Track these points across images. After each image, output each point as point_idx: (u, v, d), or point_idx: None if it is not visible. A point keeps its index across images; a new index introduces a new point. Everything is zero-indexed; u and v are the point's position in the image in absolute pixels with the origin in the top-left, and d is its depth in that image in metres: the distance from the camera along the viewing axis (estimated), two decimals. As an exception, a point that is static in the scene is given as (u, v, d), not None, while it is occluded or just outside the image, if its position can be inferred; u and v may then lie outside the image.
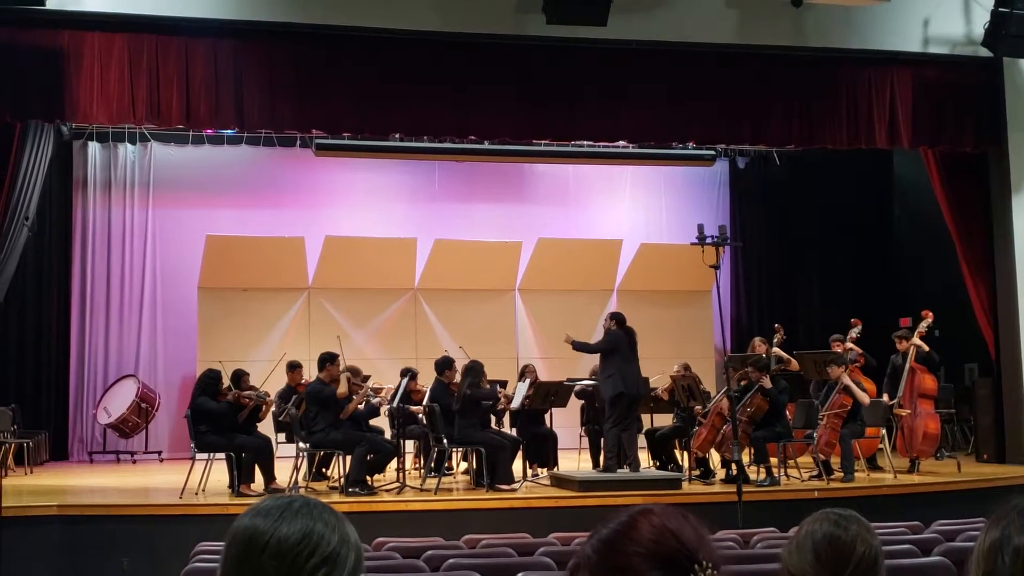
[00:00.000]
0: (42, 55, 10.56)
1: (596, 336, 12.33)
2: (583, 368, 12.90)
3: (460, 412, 10.63)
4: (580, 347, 11.27)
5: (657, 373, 12.28)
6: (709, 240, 9.68)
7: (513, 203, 17.12)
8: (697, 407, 11.45)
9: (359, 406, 11.05)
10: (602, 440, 11.14)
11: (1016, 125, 12.70)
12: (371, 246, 15.78)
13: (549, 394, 11.59)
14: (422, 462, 12.03)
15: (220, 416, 10.41)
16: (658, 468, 11.65)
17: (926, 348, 12.09)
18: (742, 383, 11.25)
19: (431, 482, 10.69)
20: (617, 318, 11.18)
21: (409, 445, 12.33)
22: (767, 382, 10.99)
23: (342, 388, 10.42)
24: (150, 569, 8.77)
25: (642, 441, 11.78)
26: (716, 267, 9.72)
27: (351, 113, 11.58)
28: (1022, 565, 1.87)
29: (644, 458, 11.48)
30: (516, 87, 11.72)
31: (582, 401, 12.42)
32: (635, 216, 17.55)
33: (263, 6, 11.16)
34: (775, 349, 12.98)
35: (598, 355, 11.23)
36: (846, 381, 11.32)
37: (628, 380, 10.71)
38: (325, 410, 10.39)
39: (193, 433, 10.43)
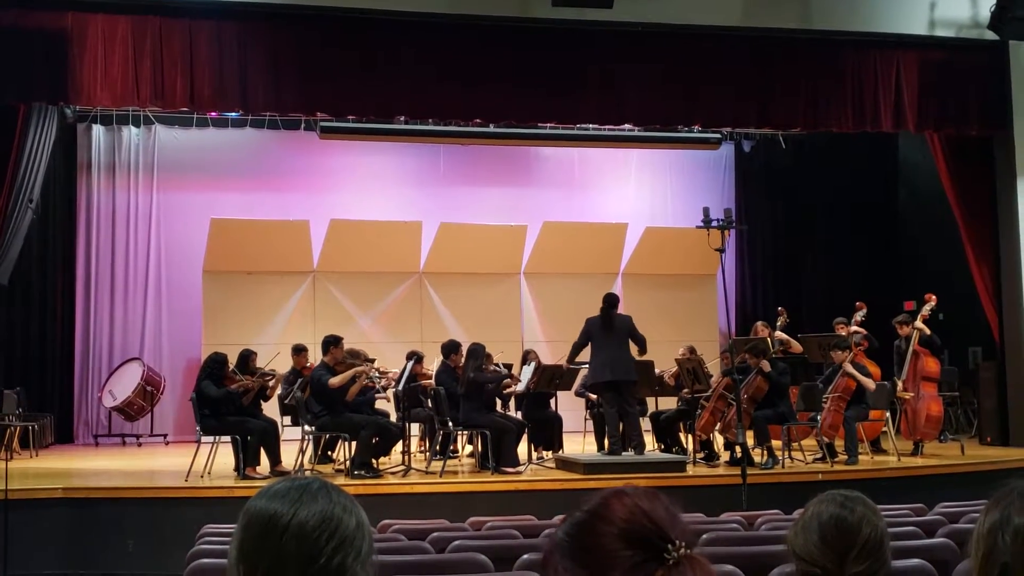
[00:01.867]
0: (46, 37, 10.55)
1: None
2: (587, 352, 12.88)
3: (465, 395, 10.65)
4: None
5: (662, 356, 12.29)
6: (714, 223, 9.66)
7: (518, 186, 17.12)
8: (685, 390, 11.47)
9: (370, 383, 11.05)
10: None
11: (1021, 109, 12.68)
12: (376, 229, 15.79)
13: (554, 377, 11.60)
14: (427, 445, 12.05)
15: (218, 401, 10.42)
16: (663, 451, 11.66)
17: (927, 331, 12.08)
18: (739, 364, 11.26)
19: (436, 465, 10.71)
20: (603, 300, 11.07)
21: (415, 428, 12.35)
22: (766, 366, 10.98)
23: (335, 380, 10.35)
24: (155, 552, 8.80)
25: (647, 424, 11.79)
26: (721, 250, 9.70)
27: (356, 96, 11.57)
28: (1022, 544, 1.89)
29: (649, 441, 11.49)
30: (521, 70, 11.69)
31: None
32: (640, 199, 17.55)
33: (267, -12, 11.15)
34: (778, 332, 12.97)
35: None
36: (848, 370, 11.28)
37: (596, 369, 10.74)
38: (329, 396, 10.39)
39: (198, 416, 10.44)
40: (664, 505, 1.53)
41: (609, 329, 10.77)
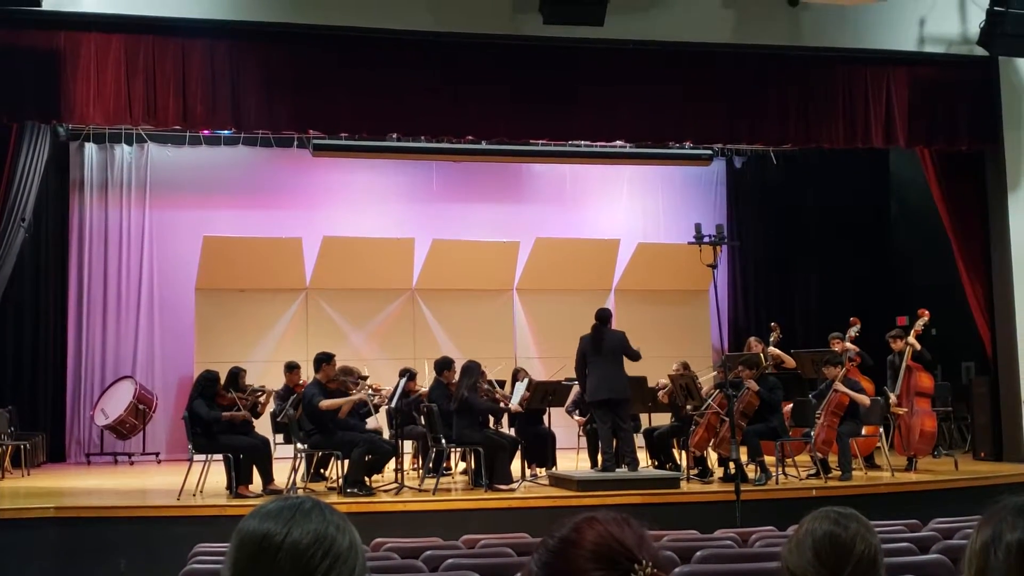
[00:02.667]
0: (38, 56, 10.56)
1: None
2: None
3: (458, 412, 10.62)
4: None
5: (655, 372, 12.28)
6: (706, 239, 9.68)
7: (510, 203, 17.13)
8: (686, 406, 11.46)
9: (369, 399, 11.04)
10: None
11: (1011, 123, 12.74)
12: (369, 246, 15.78)
13: (547, 394, 11.60)
14: (420, 462, 12.02)
15: (207, 423, 10.38)
16: (656, 467, 11.65)
17: (918, 347, 12.09)
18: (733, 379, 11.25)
19: (429, 482, 10.68)
20: (595, 316, 11.08)
21: (408, 445, 12.32)
22: (753, 385, 10.98)
23: (325, 403, 10.31)
24: (148, 571, 8.76)
25: (640, 440, 11.78)
26: (713, 266, 9.73)
27: (348, 113, 11.58)
28: (1015, 560, 1.89)
29: (642, 457, 11.48)
30: (513, 87, 11.73)
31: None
32: (632, 216, 17.56)
33: (259, 7, 11.16)
34: (771, 348, 12.98)
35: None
36: (839, 388, 11.28)
37: (592, 388, 10.76)
38: (321, 415, 10.35)
39: (190, 435, 10.41)
40: (633, 529, 1.62)
41: (600, 346, 10.76)
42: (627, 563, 1.56)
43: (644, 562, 1.56)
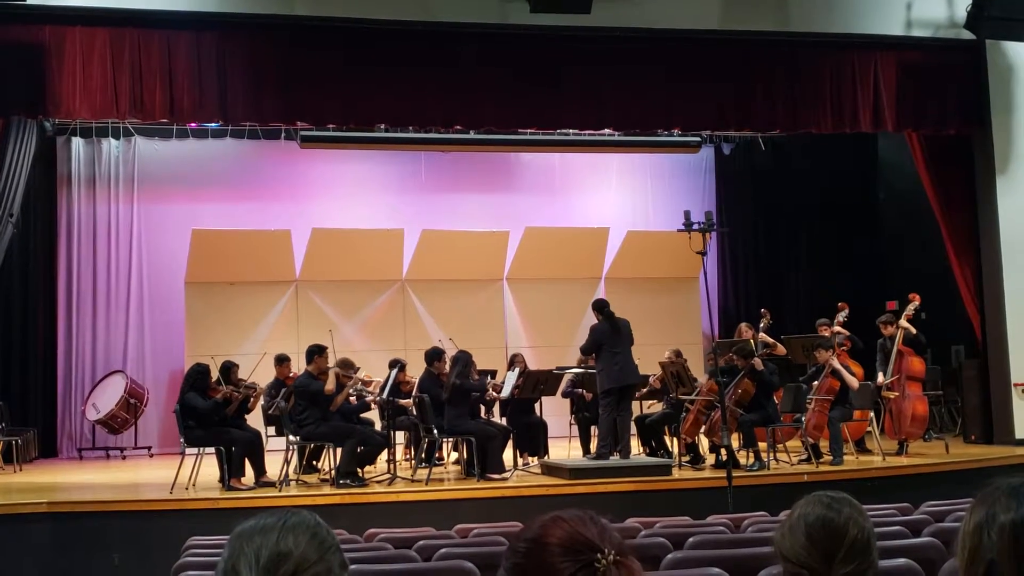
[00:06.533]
0: (23, 50, 10.51)
1: (587, 322, 12.25)
2: (571, 356, 12.91)
3: (449, 402, 10.63)
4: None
5: (646, 360, 12.29)
6: (696, 226, 9.68)
7: (500, 192, 17.12)
8: (682, 392, 11.48)
9: (351, 399, 11.05)
10: (593, 427, 11.16)
11: (999, 107, 12.76)
12: (358, 238, 15.76)
13: (538, 383, 11.60)
14: (413, 453, 12.02)
15: (206, 413, 10.38)
16: (648, 455, 11.67)
17: (913, 331, 12.13)
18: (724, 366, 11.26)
19: (422, 472, 10.69)
20: (597, 306, 11.14)
21: (399, 436, 12.32)
22: (759, 364, 11.00)
23: (329, 384, 10.38)
24: (141, 565, 8.76)
25: (632, 428, 11.79)
26: (703, 253, 9.72)
27: (336, 104, 11.55)
28: (1009, 541, 1.90)
29: (634, 445, 11.49)
30: (501, 76, 11.70)
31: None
32: (622, 204, 17.57)
33: (245, -2, 11.13)
34: (761, 334, 13.00)
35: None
36: (835, 365, 11.36)
37: (612, 375, 10.75)
38: (314, 404, 10.38)
39: (182, 428, 10.40)
40: (596, 523, 1.74)
41: (618, 333, 10.82)
42: (591, 553, 1.67)
43: (607, 551, 1.68)
